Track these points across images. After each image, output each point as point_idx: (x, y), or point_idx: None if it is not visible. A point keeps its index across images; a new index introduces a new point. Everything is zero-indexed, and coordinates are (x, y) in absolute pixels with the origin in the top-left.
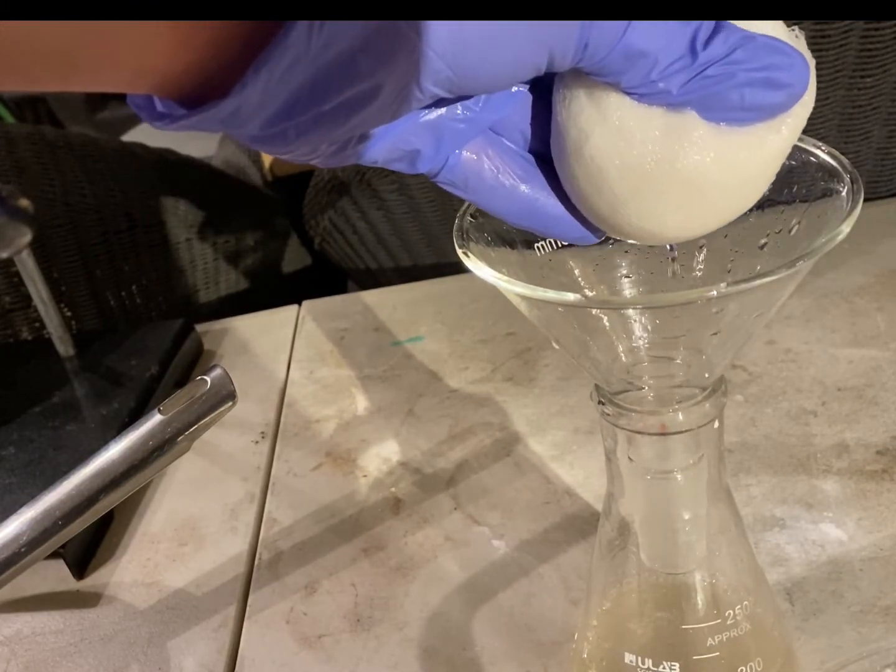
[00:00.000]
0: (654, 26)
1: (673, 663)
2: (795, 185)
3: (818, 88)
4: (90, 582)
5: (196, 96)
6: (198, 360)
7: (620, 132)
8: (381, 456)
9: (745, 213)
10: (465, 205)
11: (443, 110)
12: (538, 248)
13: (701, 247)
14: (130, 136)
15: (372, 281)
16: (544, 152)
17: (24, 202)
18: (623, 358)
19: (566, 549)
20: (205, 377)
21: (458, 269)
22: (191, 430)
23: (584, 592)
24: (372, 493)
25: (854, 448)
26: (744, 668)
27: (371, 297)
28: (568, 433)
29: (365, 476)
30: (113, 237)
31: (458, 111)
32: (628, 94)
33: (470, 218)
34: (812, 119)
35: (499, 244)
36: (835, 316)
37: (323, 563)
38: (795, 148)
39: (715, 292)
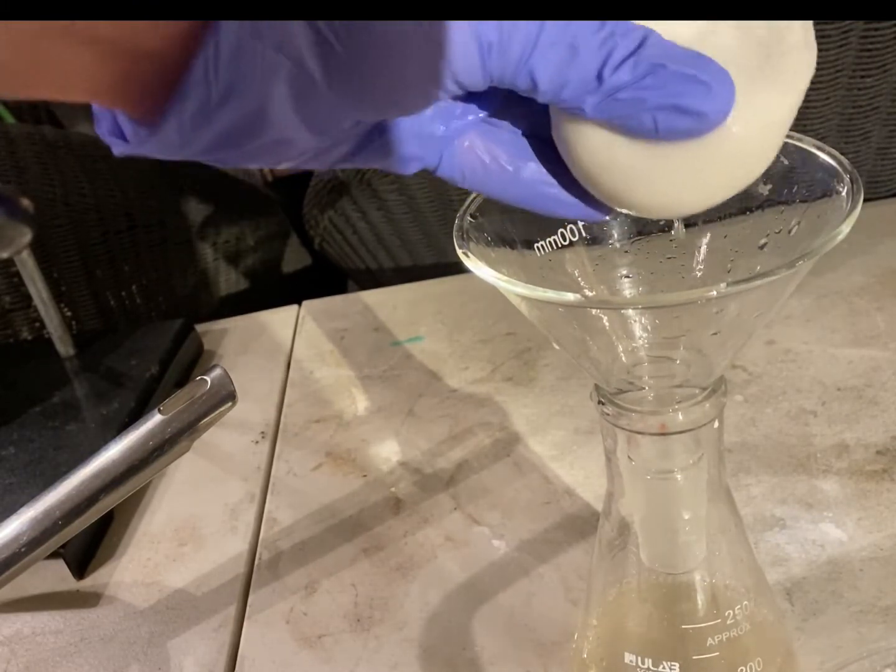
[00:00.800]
0: (559, 52)
1: (673, 663)
2: (795, 185)
3: (818, 88)
4: (90, 582)
5: (144, 115)
6: (198, 360)
7: None
8: (381, 456)
9: (746, 214)
10: (465, 205)
11: (426, 116)
12: (538, 248)
13: (701, 247)
14: None
15: (372, 281)
16: (543, 135)
17: (24, 202)
18: (623, 358)
19: (566, 549)
20: (205, 377)
21: (458, 269)
22: (191, 430)
23: (584, 592)
24: (372, 493)
25: (854, 448)
26: (744, 668)
27: (371, 297)
28: (568, 433)
29: (365, 476)
30: (113, 237)
31: (438, 119)
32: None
33: (470, 218)
34: (812, 119)
35: (499, 244)
36: (835, 316)
37: (323, 563)
38: (795, 148)
39: (715, 292)
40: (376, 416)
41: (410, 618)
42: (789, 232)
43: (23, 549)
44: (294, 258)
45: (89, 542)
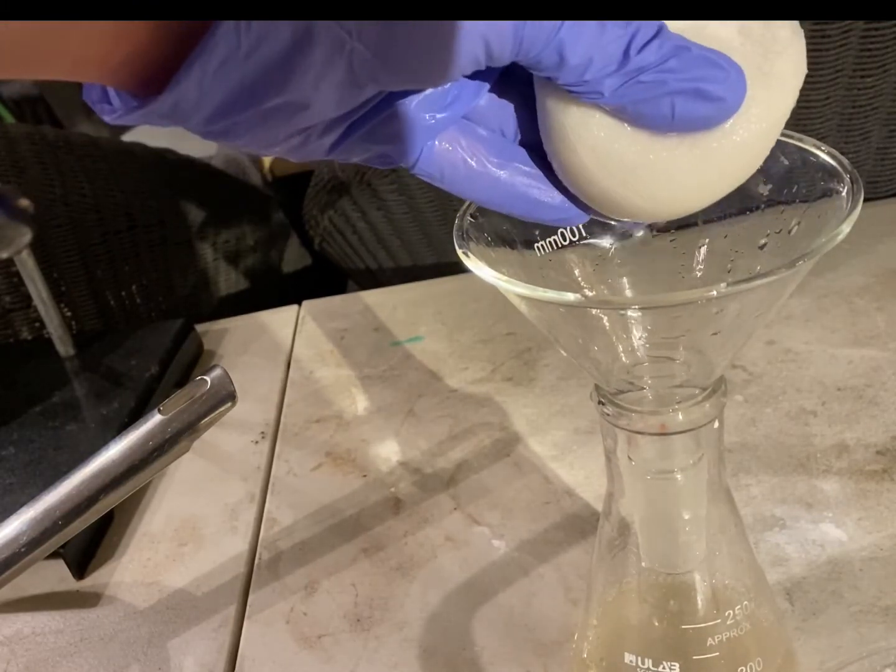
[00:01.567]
0: (589, 28)
1: (673, 663)
2: (795, 185)
3: (818, 88)
4: (90, 582)
5: (144, 89)
6: (198, 360)
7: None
8: (381, 456)
9: (745, 214)
10: (465, 205)
11: (411, 106)
12: (538, 248)
13: (701, 247)
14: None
15: (372, 281)
16: (527, 139)
17: (24, 202)
18: (623, 358)
19: (566, 549)
20: (205, 377)
21: (458, 269)
22: (191, 430)
23: (584, 592)
24: (372, 493)
25: (854, 448)
26: (744, 668)
27: (371, 297)
28: (568, 433)
29: (365, 476)
30: (113, 237)
31: (427, 106)
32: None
33: (470, 218)
34: (812, 119)
35: (499, 244)
36: (835, 316)
37: (323, 563)
38: (795, 148)
39: (715, 292)
40: (376, 416)
41: (410, 618)
42: (789, 232)
43: (23, 549)
44: (294, 258)
45: (89, 542)
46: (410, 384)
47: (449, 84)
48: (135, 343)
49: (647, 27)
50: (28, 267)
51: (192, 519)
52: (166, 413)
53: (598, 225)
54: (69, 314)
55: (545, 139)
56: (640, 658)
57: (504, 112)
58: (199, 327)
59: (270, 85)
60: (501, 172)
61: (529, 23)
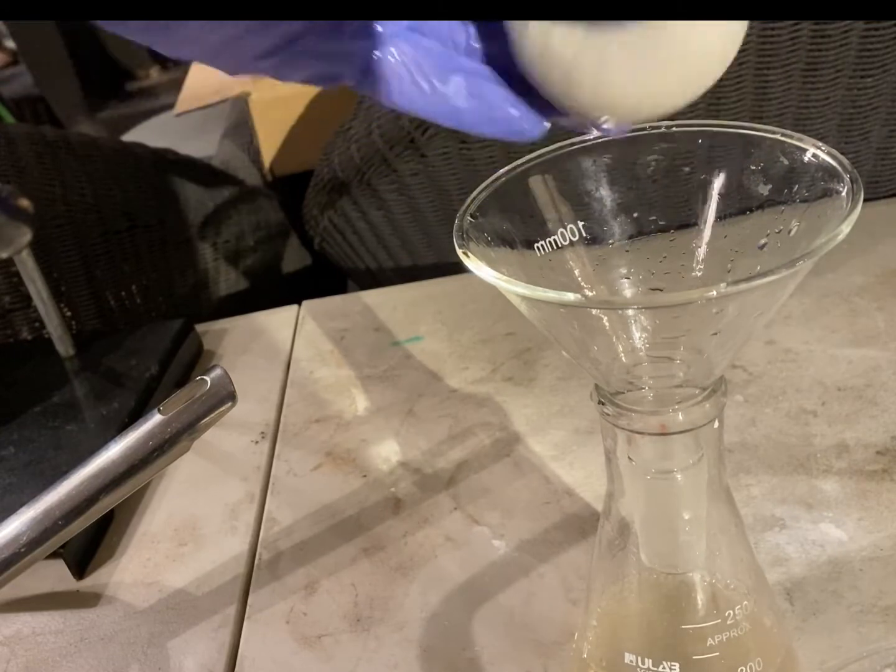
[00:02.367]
0: None
1: (673, 663)
2: (795, 185)
3: (818, 88)
4: (90, 582)
5: None
6: (198, 360)
7: None
8: (381, 456)
9: (746, 214)
10: (465, 205)
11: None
12: (538, 248)
13: (701, 247)
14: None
15: (372, 281)
16: (485, 51)
17: (24, 202)
18: (623, 358)
19: (566, 549)
20: (205, 377)
21: (458, 269)
22: (191, 430)
23: (584, 592)
24: (372, 493)
25: (854, 448)
26: (744, 668)
27: (371, 297)
28: (568, 433)
29: (365, 476)
30: (113, 237)
31: (355, 30)
32: None
33: (470, 218)
34: (812, 119)
35: (499, 244)
36: (835, 316)
37: (323, 563)
38: (795, 148)
39: (715, 292)
40: (376, 416)
41: (410, 618)
42: (789, 232)
43: (23, 549)
44: (294, 258)
45: (89, 542)
46: (410, 384)
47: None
48: (135, 343)
49: None
50: (28, 267)
51: (192, 519)
52: (166, 413)
53: (597, 223)
54: (69, 314)
55: (515, 45)
56: (640, 658)
57: (453, 22)
58: (199, 327)
59: None
60: (447, 85)
61: None
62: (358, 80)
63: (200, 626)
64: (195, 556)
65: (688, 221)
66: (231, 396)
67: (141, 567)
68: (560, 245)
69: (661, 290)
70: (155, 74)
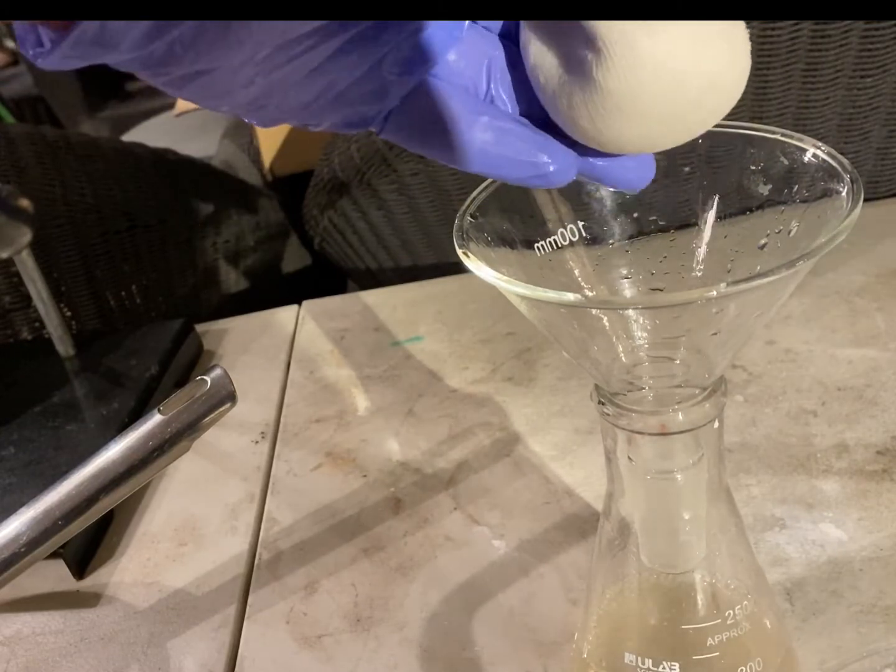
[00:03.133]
0: None
1: (673, 663)
2: (795, 185)
3: (818, 88)
4: (90, 582)
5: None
6: (198, 360)
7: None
8: (381, 456)
9: (745, 214)
10: (465, 205)
11: (376, 65)
12: (538, 248)
13: (701, 247)
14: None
15: (372, 281)
16: (505, 95)
17: (24, 202)
18: (623, 358)
19: (566, 549)
20: (205, 377)
21: (458, 269)
22: (191, 430)
23: (584, 592)
24: (372, 493)
25: (854, 448)
26: (744, 668)
27: (371, 297)
28: (568, 433)
29: (365, 476)
30: (113, 237)
31: (392, 62)
32: None
33: (470, 218)
34: (812, 119)
35: (499, 244)
36: (835, 316)
37: (323, 563)
38: (795, 148)
39: (715, 292)
40: (376, 416)
41: (410, 618)
42: (789, 232)
43: (23, 549)
44: (294, 258)
45: (89, 542)
46: (410, 384)
47: (418, 36)
48: (135, 343)
49: None
50: (28, 267)
51: (192, 519)
52: (166, 413)
53: (597, 223)
54: (69, 314)
55: (543, 92)
56: (640, 658)
57: (477, 68)
58: (199, 327)
59: None
60: (473, 130)
61: None
62: (383, 126)
63: (200, 626)
64: (195, 556)
65: (688, 221)
66: (231, 396)
67: (141, 567)
68: (560, 245)
69: (661, 290)
70: None
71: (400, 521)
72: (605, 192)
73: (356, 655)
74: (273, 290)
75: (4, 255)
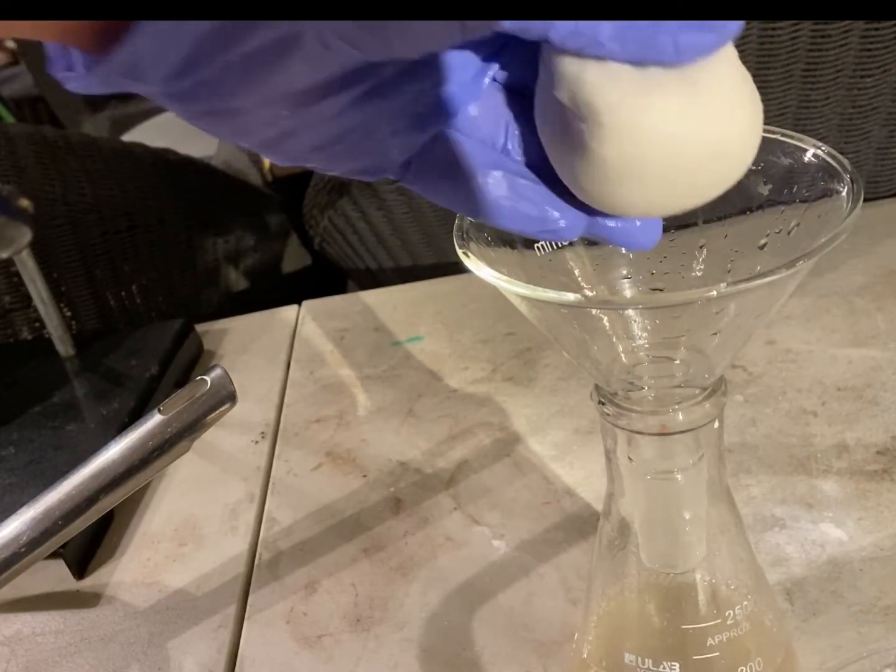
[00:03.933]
0: None
1: (673, 663)
2: (795, 185)
3: (818, 88)
4: (90, 582)
5: (107, 46)
6: (198, 360)
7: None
8: (381, 456)
9: (746, 214)
10: None
11: (396, 114)
12: (538, 248)
13: (701, 247)
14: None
15: (372, 281)
16: (520, 151)
17: (24, 202)
18: (623, 358)
19: (566, 549)
20: (205, 377)
21: (458, 269)
22: (191, 430)
23: (584, 592)
24: (372, 493)
25: (854, 448)
26: (744, 668)
27: (371, 297)
28: (568, 433)
29: (365, 476)
30: (113, 237)
31: (412, 112)
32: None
33: (470, 218)
34: (812, 119)
35: (499, 244)
36: (835, 316)
37: (323, 563)
38: (795, 148)
39: (715, 292)
40: (376, 416)
41: (410, 618)
42: (789, 232)
43: (23, 549)
44: (294, 258)
45: (89, 542)
46: (410, 384)
47: (439, 88)
48: (135, 343)
49: None
50: (28, 267)
51: (192, 519)
52: (166, 413)
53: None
54: (69, 314)
55: (553, 151)
56: (640, 658)
57: (495, 123)
58: (199, 327)
59: (240, 26)
60: (487, 182)
61: None
62: (400, 175)
63: (200, 626)
64: (195, 556)
65: (688, 221)
66: (231, 396)
67: (141, 567)
68: (560, 245)
69: (661, 290)
70: None
71: (400, 521)
72: None
73: (356, 655)
74: (273, 290)
75: (4, 255)
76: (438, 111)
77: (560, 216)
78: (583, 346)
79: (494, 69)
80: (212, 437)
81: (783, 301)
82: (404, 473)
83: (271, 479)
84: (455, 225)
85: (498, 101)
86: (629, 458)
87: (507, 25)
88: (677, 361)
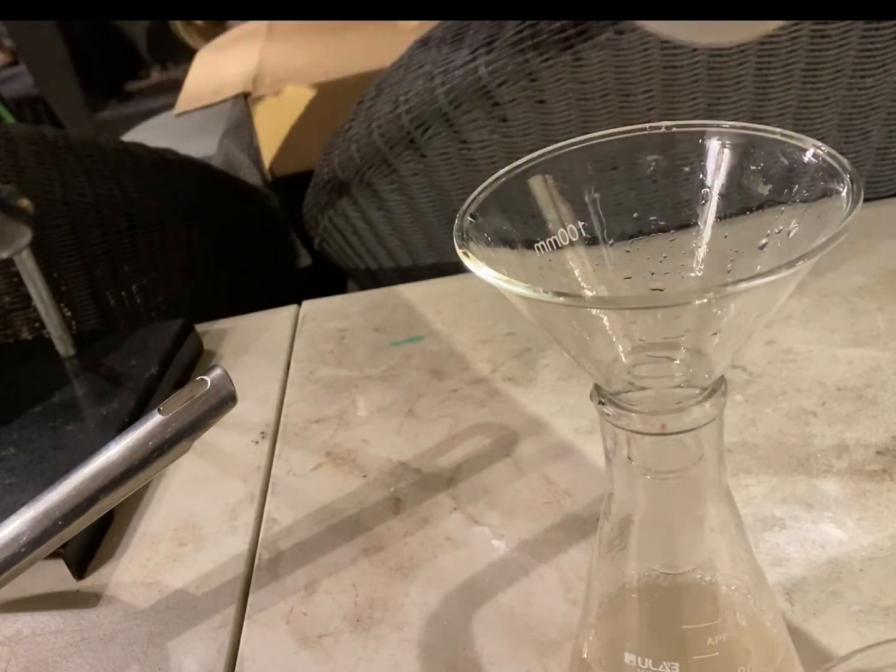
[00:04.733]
0: None
1: (673, 663)
2: (795, 185)
3: (818, 88)
4: (90, 582)
5: None
6: (198, 360)
7: None
8: (381, 456)
9: (746, 214)
10: (465, 205)
11: None
12: (538, 248)
13: (701, 247)
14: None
15: (372, 281)
16: None
17: (24, 202)
18: (623, 358)
19: (566, 549)
20: (205, 377)
21: (458, 269)
22: (191, 430)
23: (584, 592)
24: (372, 493)
25: (854, 448)
26: (743, 668)
27: (371, 297)
28: (568, 433)
29: (365, 476)
30: (113, 237)
31: None
32: None
33: (470, 218)
34: (812, 119)
35: (499, 244)
36: (835, 316)
37: (323, 563)
38: (795, 148)
39: (715, 292)
40: (376, 416)
41: (410, 618)
42: (789, 232)
43: (23, 549)
44: (294, 258)
45: (89, 542)
46: (410, 384)
47: None
48: (135, 343)
49: None
50: (28, 267)
51: (192, 519)
52: (166, 413)
53: (597, 223)
54: (69, 314)
55: None
56: (640, 658)
57: None
58: (199, 327)
59: None
60: None
61: None
62: None
63: (200, 626)
64: (195, 556)
65: (688, 221)
66: (231, 397)
67: (141, 567)
68: (560, 245)
69: (661, 290)
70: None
71: (400, 521)
72: (605, 192)
73: (356, 655)
74: (273, 290)
75: (4, 255)
76: None
77: None
78: (583, 346)
79: None
80: (212, 437)
81: (783, 301)
82: (404, 473)
83: (271, 479)
84: (455, 225)
85: None
86: (629, 458)
87: None
88: (677, 361)
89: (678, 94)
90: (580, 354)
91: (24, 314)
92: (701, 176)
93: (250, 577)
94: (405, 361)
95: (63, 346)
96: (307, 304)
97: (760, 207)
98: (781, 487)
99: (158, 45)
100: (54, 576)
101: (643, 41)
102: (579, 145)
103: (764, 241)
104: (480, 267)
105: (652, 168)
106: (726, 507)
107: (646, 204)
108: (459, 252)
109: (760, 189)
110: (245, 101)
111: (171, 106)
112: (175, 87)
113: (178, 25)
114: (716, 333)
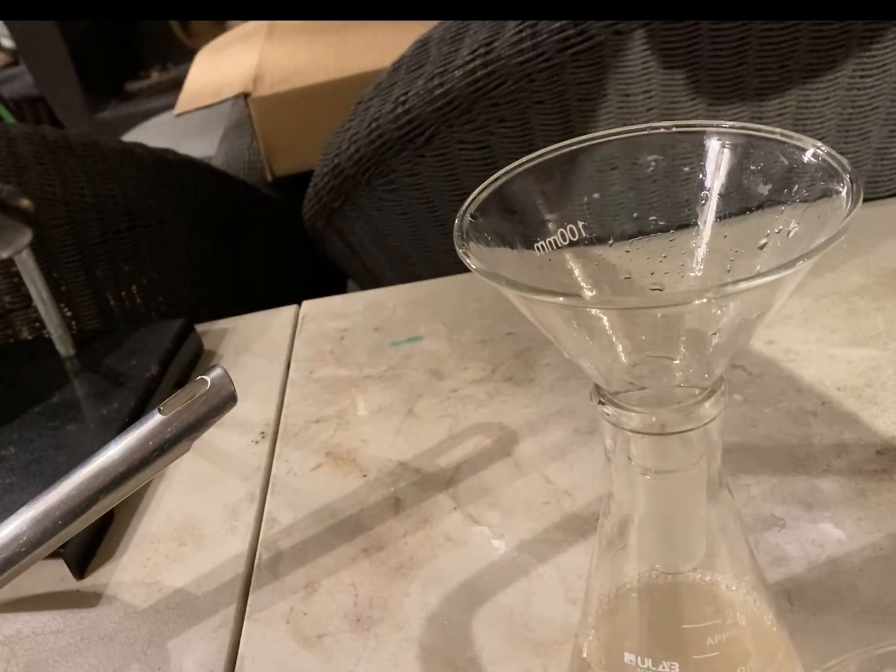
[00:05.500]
0: None
1: (673, 663)
2: (795, 185)
3: (818, 88)
4: (90, 582)
5: None
6: (198, 360)
7: None
8: (381, 456)
9: (745, 214)
10: (465, 205)
11: None
12: (538, 248)
13: (701, 247)
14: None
15: (372, 281)
16: None
17: (24, 202)
18: (623, 358)
19: (566, 549)
20: (205, 377)
21: (458, 269)
22: (191, 430)
23: (584, 592)
24: (372, 493)
25: (854, 448)
26: (743, 668)
27: (371, 297)
28: (568, 433)
29: (365, 476)
30: (113, 237)
31: None
32: None
33: (470, 218)
34: (812, 119)
35: (499, 244)
36: (835, 316)
37: (323, 563)
38: (795, 148)
39: (715, 292)
40: (376, 416)
41: (410, 618)
42: (789, 232)
43: (23, 549)
44: (294, 258)
45: (89, 542)
46: (410, 384)
47: None
48: (135, 343)
49: None
50: (28, 267)
51: (192, 519)
52: (166, 413)
53: (597, 223)
54: (69, 314)
55: None
56: (640, 658)
57: None
58: (199, 327)
59: None
60: None
61: None
62: None
63: (200, 626)
64: (195, 556)
65: (688, 221)
66: (231, 396)
67: (141, 567)
68: (560, 245)
69: (661, 290)
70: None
71: (400, 521)
72: (605, 192)
73: (356, 655)
74: (273, 290)
75: (4, 255)
76: None
77: None
78: (582, 346)
79: None
80: (212, 437)
81: (783, 301)
82: (404, 473)
83: (271, 479)
84: (455, 225)
85: None
86: (629, 458)
87: None
88: (677, 361)
89: (678, 95)
90: (580, 354)
91: (24, 314)
92: (701, 176)
93: (250, 577)
94: (405, 361)
95: (63, 346)
96: (307, 304)
97: (760, 207)
98: (781, 487)
99: (158, 45)
100: (54, 576)
101: (643, 41)
102: (579, 145)
103: (764, 241)
104: (480, 267)
105: (652, 168)
106: (726, 506)
107: (645, 204)
108: (459, 252)
109: (760, 189)
110: (245, 101)
111: (171, 106)
112: (175, 87)
113: (178, 25)
114: (716, 333)
